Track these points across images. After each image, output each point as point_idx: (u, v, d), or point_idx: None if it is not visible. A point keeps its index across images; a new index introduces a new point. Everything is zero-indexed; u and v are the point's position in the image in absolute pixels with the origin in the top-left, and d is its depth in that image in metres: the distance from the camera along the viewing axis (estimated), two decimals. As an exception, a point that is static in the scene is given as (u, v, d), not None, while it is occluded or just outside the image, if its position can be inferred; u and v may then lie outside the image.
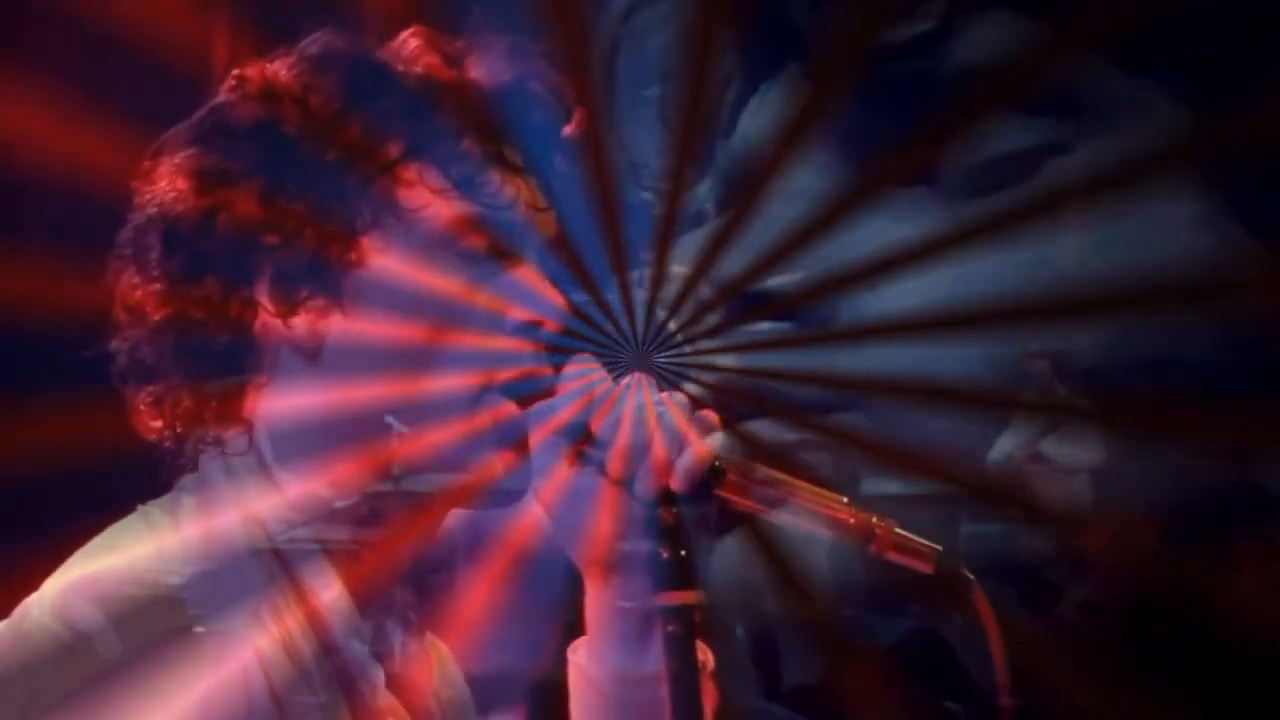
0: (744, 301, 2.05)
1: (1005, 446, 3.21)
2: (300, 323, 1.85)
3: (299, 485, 1.87)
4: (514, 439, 1.85)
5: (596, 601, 1.86)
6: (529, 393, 1.84)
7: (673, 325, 1.90)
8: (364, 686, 1.87)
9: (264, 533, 1.86)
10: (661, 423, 1.80)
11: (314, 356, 1.86)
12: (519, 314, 1.86)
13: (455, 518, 1.95)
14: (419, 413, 1.84)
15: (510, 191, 1.88)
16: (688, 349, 1.90)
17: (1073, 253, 2.96)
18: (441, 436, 1.84)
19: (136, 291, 1.87)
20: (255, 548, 1.85)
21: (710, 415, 1.83)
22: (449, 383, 1.84)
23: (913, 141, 2.59)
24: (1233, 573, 3.06)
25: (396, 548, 1.90)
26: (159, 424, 1.89)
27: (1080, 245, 3.00)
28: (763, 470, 1.82)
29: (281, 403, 1.86)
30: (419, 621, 1.95)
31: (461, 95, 1.88)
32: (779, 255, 2.10)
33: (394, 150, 1.85)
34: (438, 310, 1.85)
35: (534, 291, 1.88)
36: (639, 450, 1.80)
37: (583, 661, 1.87)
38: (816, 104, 2.62)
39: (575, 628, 1.90)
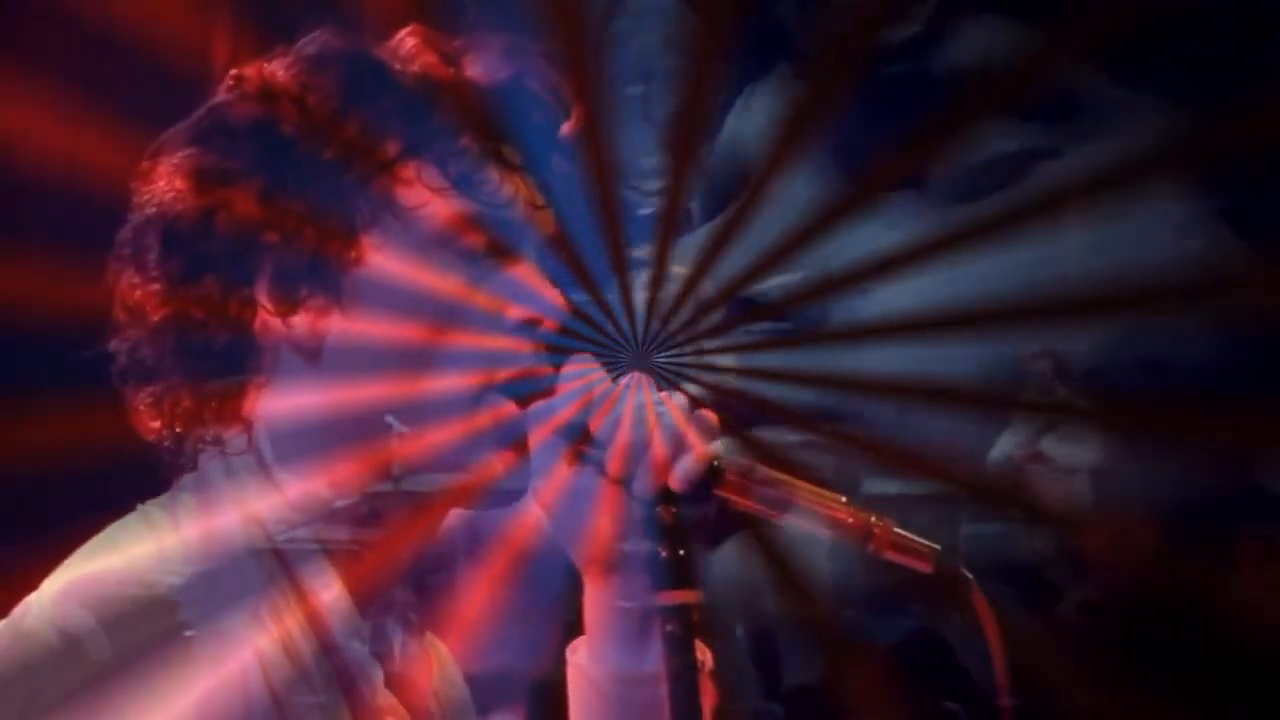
0: (743, 302, 2.05)
1: (1005, 446, 3.21)
2: (300, 322, 1.85)
3: (299, 485, 1.87)
4: (513, 439, 1.84)
5: (596, 601, 1.86)
6: (528, 392, 1.84)
7: (672, 325, 1.90)
8: (364, 686, 1.87)
9: (264, 532, 1.86)
10: (660, 423, 1.80)
11: (314, 356, 1.86)
12: (518, 312, 1.86)
13: (455, 518, 1.95)
14: (419, 412, 1.84)
15: (509, 189, 1.88)
16: (687, 349, 1.90)
17: (1071, 253, 2.96)
18: (441, 436, 1.84)
19: (136, 291, 1.87)
20: (255, 547, 1.85)
21: (709, 415, 1.83)
22: (449, 382, 1.84)
23: (903, 146, 2.60)
24: (1233, 573, 3.06)
25: (396, 548, 1.90)
26: (158, 424, 1.89)
27: (1078, 246, 3.00)
28: (762, 470, 1.82)
29: (281, 402, 1.86)
30: (419, 621, 1.95)
31: (459, 93, 1.88)
32: (769, 261, 2.10)
33: (392, 149, 1.85)
34: (437, 309, 1.85)
35: (533, 290, 1.88)
36: (638, 450, 1.80)
37: (582, 661, 1.87)
38: (807, 109, 2.62)
39: (575, 627, 1.90)
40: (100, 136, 2.31)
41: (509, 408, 1.85)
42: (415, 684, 1.95)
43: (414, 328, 1.83)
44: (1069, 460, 3.16)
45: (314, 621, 1.84)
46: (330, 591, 1.86)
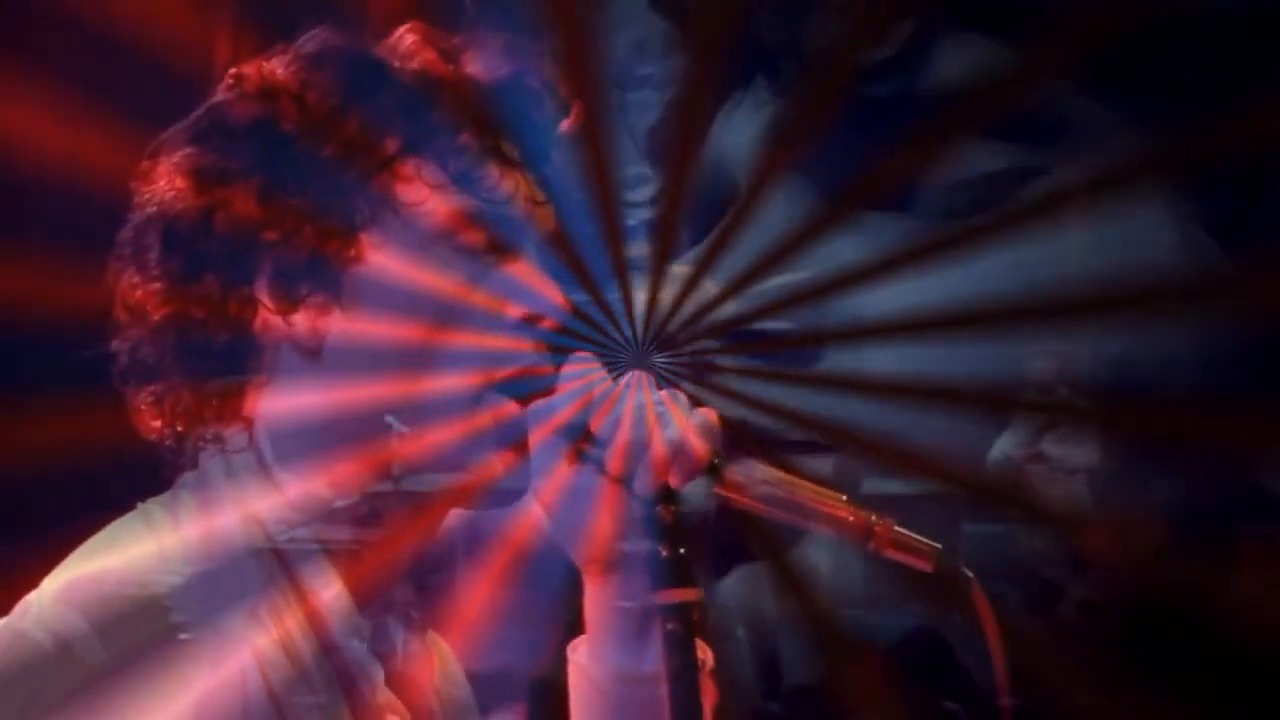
0: (741, 303, 2.05)
1: (1005, 446, 3.21)
2: (300, 320, 1.85)
3: (298, 485, 1.87)
4: (514, 438, 1.84)
5: (596, 600, 1.86)
6: (529, 391, 1.84)
7: (673, 325, 1.90)
8: (364, 685, 1.87)
9: (263, 532, 1.86)
10: (661, 421, 1.80)
11: (314, 355, 1.86)
12: (518, 310, 1.86)
13: (455, 517, 1.95)
14: (419, 412, 1.84)
15: (509, 186, 1.89)
16: (687, 348, 1.90)
17: (1071, 253, 2.96)
18: (441, 436, 1.84)
19: (137, 291, 1.88)
20: (254, 547, 1.85)
21: (710, 414, 1.83)
22: (449, 381, 1.84)
23: (885, 166, 2.60)
24: (1233, 573, 3.07)
25: (397, 547, 1.90)
26: (159, 423, 1.89)
27: (1078, 246, 3.00)
28: (762, 468, 1.82)
29: (282, 401, 1.86)
30: (421, 620, 1.95)
31: (458, 91, 1.88)
32: (746, 282, 2.10)
33: (392, 146, 1.85)
34: (437, 307, 1.85)
35: (534, 287, 1.88)
36: (638, 449, 1.80)
37: (582, 660, 1.86)
38: (786, 130, 2.63)
39: (575, 627, 1.90)
40: (100, 136, 2.31)
41: (509, 407, 1.85)
42: (417, 682, 1.95)
43: (414, 326, 1.83)
44: (1069, 460, 3.16)
45: (314, 621, 1.84)
46: (330, 591, 1.86)
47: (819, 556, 2.50)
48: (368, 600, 1.89)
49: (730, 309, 1.98)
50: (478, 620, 1.94)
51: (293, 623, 1.83)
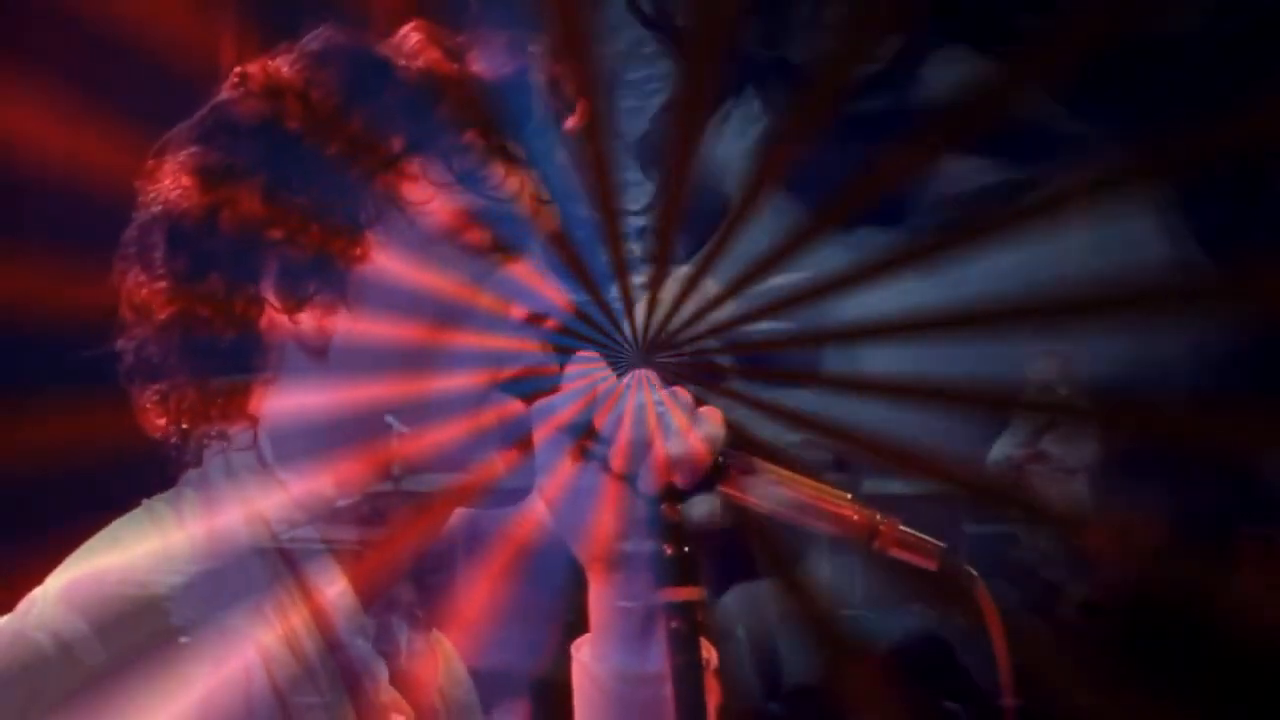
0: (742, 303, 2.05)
1: (1005, 446, 3.21)
2: (306, 319, 1.85)
3: (299, 483, 1.87)
4: (517, 437, 1.84)
5: (599, 600, 1.86)
6: (533, 390, 1.84)
7: (675, 323, 1.90)
8: (368, 684, 1.87)
9: (268, 530, 1.86)
10: (664, 419, 1.80)
11: (320, 354, 1.86)
12: (524, 309, 1.87)
13: (456, 515, 1.94)
14: (425, 410, 1.84)
15: (513, 184, 1.89)
16: (689, 347, 1.90)
17: (1071, 253, 2.97)
18: (444, 435, 1.84)
19: (142, 290, 1.88)
20: (259, 545, 1.85)
21: (713, 413, 1.83)
22: (455, 380, 1.84)
23: (871, 180, 2.60)
24: (1233, 573, 3.07)
25: (401, 546, 1.90)
26: (164, 421, 1.89)
27: (1078, 246, 3.00)
28: (766, 467, 1.82)
29: (287, 400, 1.86)
30: (425, 618, 1.95)
31: (463, 89, 1.88)
32: (742, 284, 2.10)
33: (396, 145, 1.85)
34: (443, 305, 1.85)
35: (539, 287, 1.88)
36: (642, 447, 1.80)
37: (586, 659, 1.86)
38: (776, 145, 2.64)
39: (576, 626, 1.90)
40: (100, 136, 2.31)
41: (514, 405, 1.85)
42: (420, 681, 1.95)
43: (419, 325, 1.83)
44: (1069, 460, 3.16)
45: (318, 619, 1.84)
46: (335, 589, 1.86)
47: (819, 557, 2.50)
48: (372, 599, 1.89)
49: (730, 309, 1.98)
50: (479, 618, 1.93)
51: (297, 621, 1.83)
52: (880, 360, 2.35)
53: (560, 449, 1.82)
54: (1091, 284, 2.96)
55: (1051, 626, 3.14)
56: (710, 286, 1.98)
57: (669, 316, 1.89)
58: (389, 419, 1.84)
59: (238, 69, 1.90)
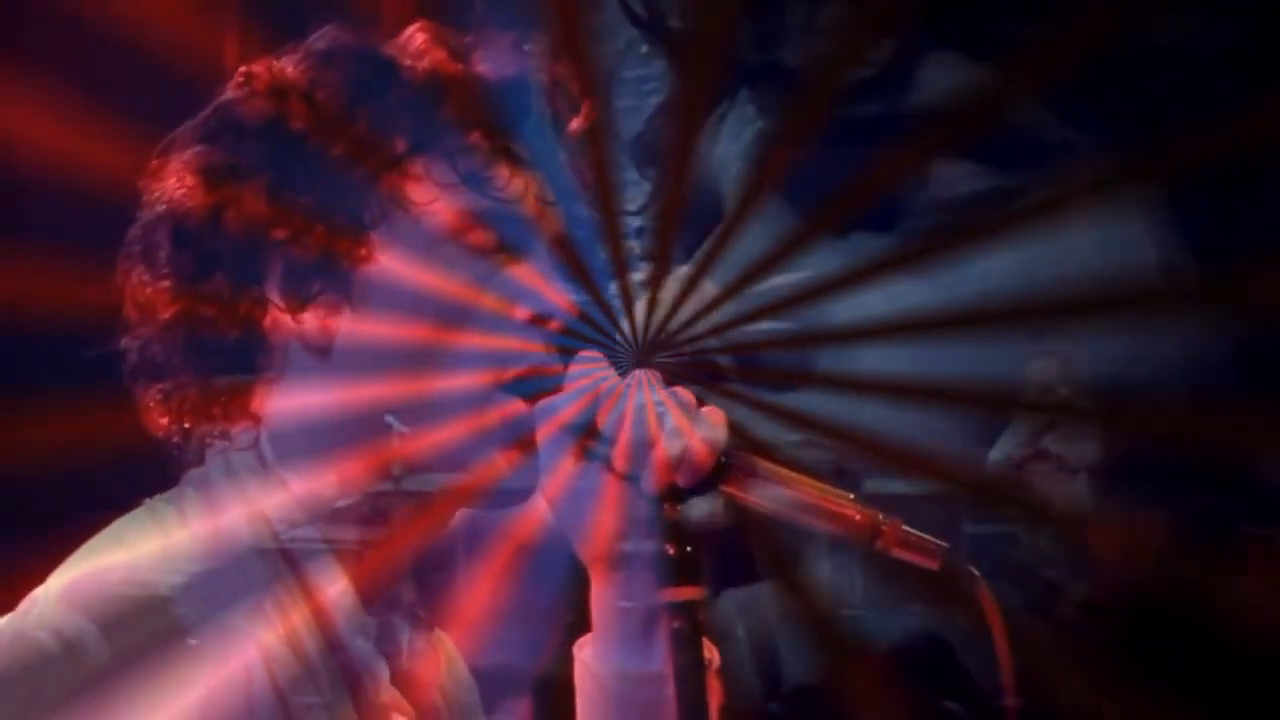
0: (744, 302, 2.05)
1: (1005, 446, 3.21)
2: (310, 319, 1.85)
3: (301, 483, 1.87)
4: (519, 438, 1.84)
5: (601, 599, 1.86)
6: (536, 390, 1.84)
7: (675, 323, 1.90)
8: (368, 683, 1.87)
9: (269, 530, 1.86)
10: (666, 419, 1.80)
11: (324, 354, 1.86)
12: (527, 311, 1.87)
13: (457, 515, 1.95)
14: (428, 411, 1.84)
15: (518, 185, 1.89)
16: (690, 347, 1.90)
17: (1071, 253, 2.97)
18: (446, 436, 1.84)
19: (146, 289, 1.88)
20: (260, 545, 1.85)
21: (715, 412, 1.83)
22: (458, 380, 1.84)
23: (866, 186, 2.60)
24: (1233, 573, 3.06)
25: (402, 546, 1.90)
26: (167, 420, 1.89)
27: (1078, 246, 3.01)
28: (768, 466, 1.82)
29: (291, 400, 1.86)
30: (427, 617, 1.95)
31: (468, 89, 1.88)
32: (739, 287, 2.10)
33: (401, 145, 1.85)
34: (447, 306, 1.85)
35: (542, 287, 1.88)
36: (643, 446, 1.80)
37: (588, 659, 1.86)
38: (770, 150, 2.64)
39: (578, 626, 1.90)
40: (100, 136, 2.31)
41: (516, 406, 1.85)
42: (422, 681, 1.95)
43: (423, 325, 1.84)
44: (1070, 460, 3.16)
45: (319, 618, 1.85)
46: (336, 588, 1.86)
47: (819, 557, 2.49)
48: (373, 598, 1.89)
49: (731, 310, 1.98)
50: (481, 618, 1.93)
51: (298, 620, 1.83)
52: (881, 360, 2.35)
53: (562, 448, 1.82)
54: (1091, 284, 2.96)
55: (1051, 626, 3.14)
56: (711, 287, 1.98)
57: (670, 317, 1.90)
58: (388, 418, 1.84)
59: (243, 68, 1.90)
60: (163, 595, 1.78)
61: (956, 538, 1.85)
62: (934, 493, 2.59)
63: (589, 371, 1.84)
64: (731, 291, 2.03)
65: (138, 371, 1.89)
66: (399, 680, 1.91)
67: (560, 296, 1.88)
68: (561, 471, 1.81)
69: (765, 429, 1.95)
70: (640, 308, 1.88)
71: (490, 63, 1.90)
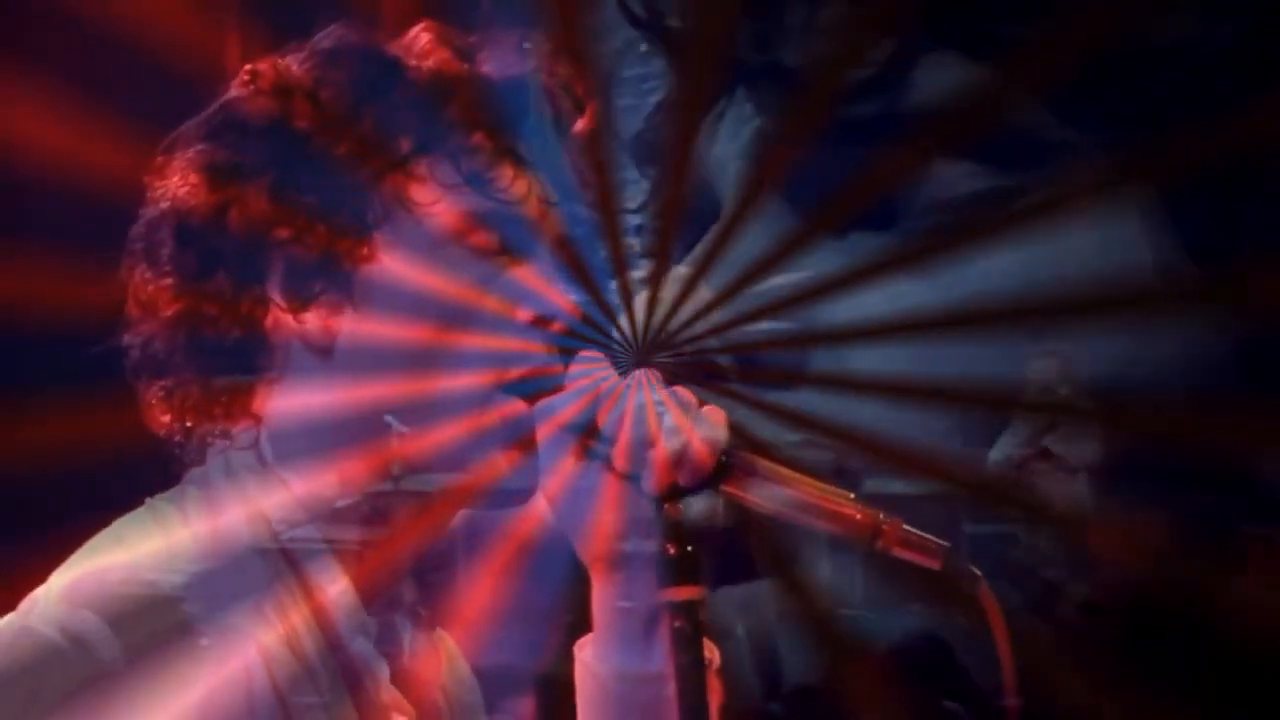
0: (744, 302, 2.05)
1: (1005, 446, 3.21)
2: (312, 319, 1.85)
3: (301, 483, 1.87)
4: (520, 438, 1.85)
5: (601, 599, 1.86)
6: (536, 390, 1.84)
7: (675, 323, 1.90)
8: (369, 683, 1.87)
9: (269, 529, 1.86)
10: (666, 419, 1.80)
11: (325, 353, 1.86)
12: (529, 312, 1.87)
13: (456, 515, 1.95)
14: (429, 411, 1.84)
15: (521, 187, 1.89)
16: (690, 347, 1.90)
17: (1071, 253, 2.97)
18: (446, 436, 1.84)
19: (149, 286, 1.88)
20: (260, 544, 1.85)
21: (715, 411, 1.83)
22: (459, 381, 1.84)
23: (866, 186, 2.60)
24: (1233, 573, 3.06)
25: (402, 546, 1.90)
26: (168, 418, 1.89)
27: (1078, 246, 3.01)
28: (768, 466, 1.82)
29: (292, 400, 1.87)
30: (427, 617, 1.95)
31: (473, 90, 1.88)
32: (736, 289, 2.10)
33: (405, 145, 1.85)
34: (448, 307, 1.85)
35: (545, 288, 1.88)
36: (643, 446, 1.80)
37: (588, 659, 1.87)
38: (771, 148, 2.64)
39: (579, 626, 1.90)
40: (100, 136, 2.31)
41: (516, 406, 1.85)
42: (423, 680, 1.95)
43: (424, 326, 1.84)
44: (1070, 460, 3.16)
45: (319, 618, 1.85)
46: (336, 588, 1.86)
47: (819, 557, 2.49)
48: (374, 598, 1.89)
49: (731, 310, 1.98)
50: (481, 617, 1.93)
51: (298, 620, 1.83)
52: (880, 360, 2.35)
53: (562, 448, 1.82)
54: (1091, 284, 2.96)
55: (1051, 626, 3.14)
56: (711, 288, 1.98)
57: (670, 317, 1.90)
58: (388, 419, 1.84)
59: (248, 67, 1.90)
60: (167, 594, 1.78)
61: (956, 538, 1.85)
62: (934, 493, 2.59)
63: (589, 371, 1.84)
64: (731, 291, 2.03)
65: (140, 368, 1.89)
66: (400, 680, 1.91)
67: (562, 298, 1.88)
68: (562, 471, 1.81)
69: (765, 429, 1.95)
70: (640, 307, 1.88)
71: (495, 63, 1.90)
